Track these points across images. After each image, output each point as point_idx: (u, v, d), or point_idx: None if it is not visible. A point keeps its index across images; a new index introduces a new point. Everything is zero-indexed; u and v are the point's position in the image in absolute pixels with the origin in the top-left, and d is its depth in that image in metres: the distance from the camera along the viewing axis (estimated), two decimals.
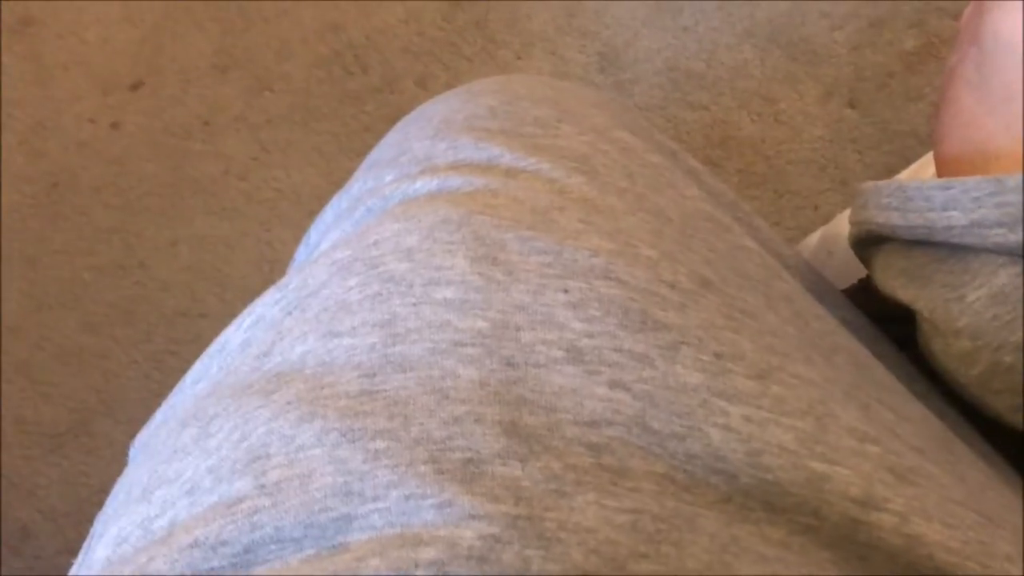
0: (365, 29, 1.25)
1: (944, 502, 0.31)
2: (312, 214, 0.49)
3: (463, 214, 0.36)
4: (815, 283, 0.44)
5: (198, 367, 0.38)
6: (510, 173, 0.39)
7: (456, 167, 0.40)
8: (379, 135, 0.52)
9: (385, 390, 0.31)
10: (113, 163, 1.18)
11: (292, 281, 0.37)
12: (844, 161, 1.12)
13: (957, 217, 0.37)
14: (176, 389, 0.39)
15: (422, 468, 0.29)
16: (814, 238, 0.63)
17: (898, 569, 0.30)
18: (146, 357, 1.08)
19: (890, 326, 0.47)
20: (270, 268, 1.13)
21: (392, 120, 1.20)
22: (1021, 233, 0.35)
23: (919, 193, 0.39)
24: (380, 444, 0.29)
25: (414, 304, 0.33)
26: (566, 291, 0.33)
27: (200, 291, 1.11)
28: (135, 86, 1.23)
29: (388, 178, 0.42)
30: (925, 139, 1.13)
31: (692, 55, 1.21)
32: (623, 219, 0.37)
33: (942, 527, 0.30)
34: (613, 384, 0.31)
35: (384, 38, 1.24)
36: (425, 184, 0.39)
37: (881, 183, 0.42)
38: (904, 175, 0.73)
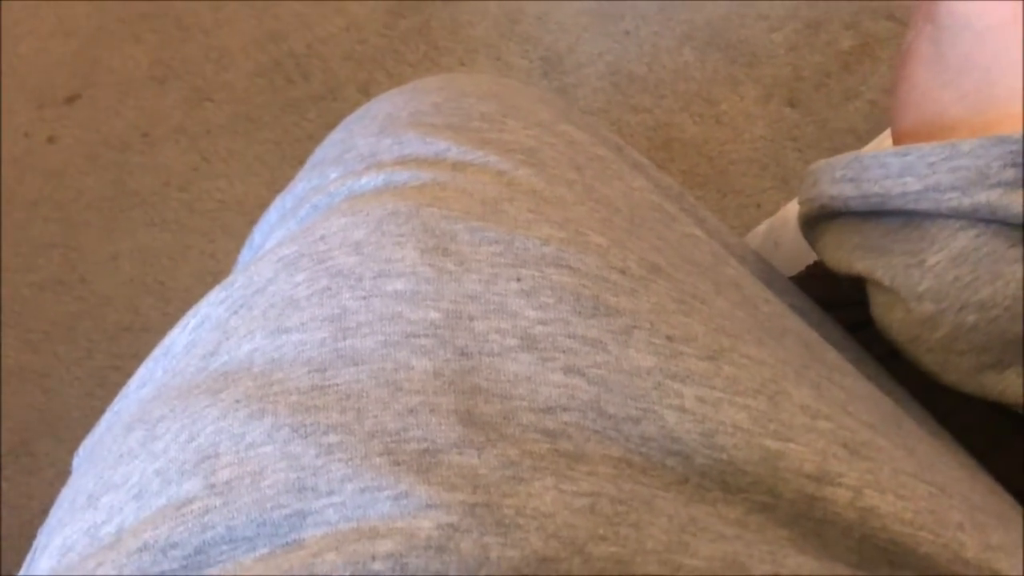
0: (306, 38, 1.24)
1: (896, 474, 0.31)
2: (255, 224, 0.49)
3: (411, 207, 0.35)
4: (763, 271, 0.45)
5: (142, 371, 0.37)
6: (458, 166, 0.39)
7: (403, 162, 0.40)
8: (321, 142, 0.51)
9: (337, 384, 0.30)
10: (51, 177, 1.16)
11: (237, 280, 0.37)
12: (785, 159, 1.13)
13: (912, 183, 0.38)
14: (120, 395, 0.38)
15: (377, 460, 0.29)
16: (760, 229, 0.64)
17: (853, 542, 0.30)
18: (88, 374, 1.06)
19: (838, 312, 0.47)
20: (214, 279, 1.11)
21: (334, 127, 1.19)
22: (975, 196, 0.36)
23: (875, 161, 0.39)
24: (333, 438, 0.29)
25: (364, 297, 0.32)
26: (518, 279, 0.33)
27: (143, 305, 1.09)
28: (71, 99, 1.21)
29: (333, 175, 0.41)
30: (863, 136, 1.15)
31: (634, 59, 1.22)
32: (572, 209, 0.37)
33: (895, 499, 0.30)
34: (568, 370, 0.31)
35: (325, 46, 1.23)
36: (371, 180, 0.39)
37: (834, 158, 0.42)
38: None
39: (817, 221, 0.44)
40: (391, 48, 1.23)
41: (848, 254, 0.41)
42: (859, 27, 1.22)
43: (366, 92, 1.20)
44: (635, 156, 0.48)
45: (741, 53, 1.21)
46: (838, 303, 0.47)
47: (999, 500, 0.36)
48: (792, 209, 0.64)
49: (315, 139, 1.17)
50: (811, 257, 0.55)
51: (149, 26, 1.25)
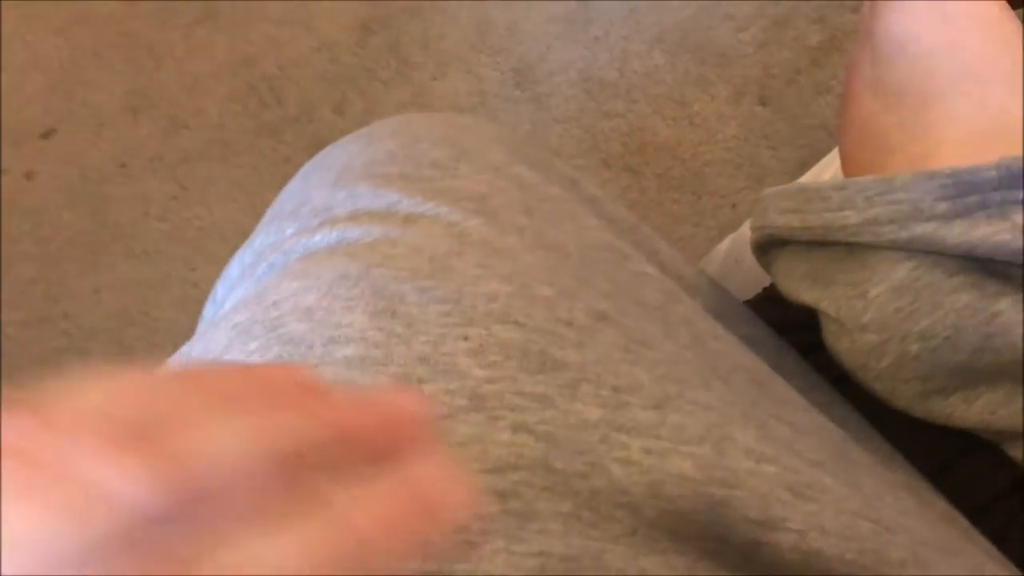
0: (278, 60, 1.24)
1: (840, 514, 0.32)
2: (237, 250, 0.49)
3: (361, 268, 0.36)
4: (717, 301, 0.45)
5: None
6: (409, 220, 0.40)
7: (355, 217, 0.40)
8: (299, 165, 0.52)
9: None
10: (30, 213, 1.17)
11: (195, 347, 0.37)
12: (758, 158, 1.14)
13: (852, 216, 0.38)
14: None
15: None
16: (723, 247, 0.65)
17: None
18: None
19: (795, 334, 0.48)
20: (197, 308, 1.11)
21: (311, 150, 1.19)
22: (911, 229, 0.37)
23: (816, 194, 0.40)
24: None
25: (316, 365, 0.33)
26: (466, 338, 0.34)
27: (128, 337, 1.09)
28: (47, 134, 1.21)
29: (289, 231, 0.42)
30: (835, 131, 1.16)
31: (605, 65, 1.22)
32: (521, 259, 0.38)
33: (838, 540, 0.31)
34: (516, 428, 0.32)
35: (297, 68, 1.24)
36: (324, 237, 0.40)
37: (780, 188, 0.43)
38: (805, 178, 0.75)
39: (768, 248, 0.45)
40: (363, 66, 1.24)
41: (796, 283, 0.42)
42: (826, 21, 1.22)
43: (341, 112, 1.21)
44: (589, 190, 0.48)
45: (710, 54, 1.22)
46: (794, 325, 0.47)
47: (947, 528, 0.37)
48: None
49: (292, 162, 1.18)
50: None
51: (121, 56, 1.26)
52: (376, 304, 0.35)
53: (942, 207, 0.36)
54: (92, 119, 1.22)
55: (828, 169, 0.68)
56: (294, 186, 0.47)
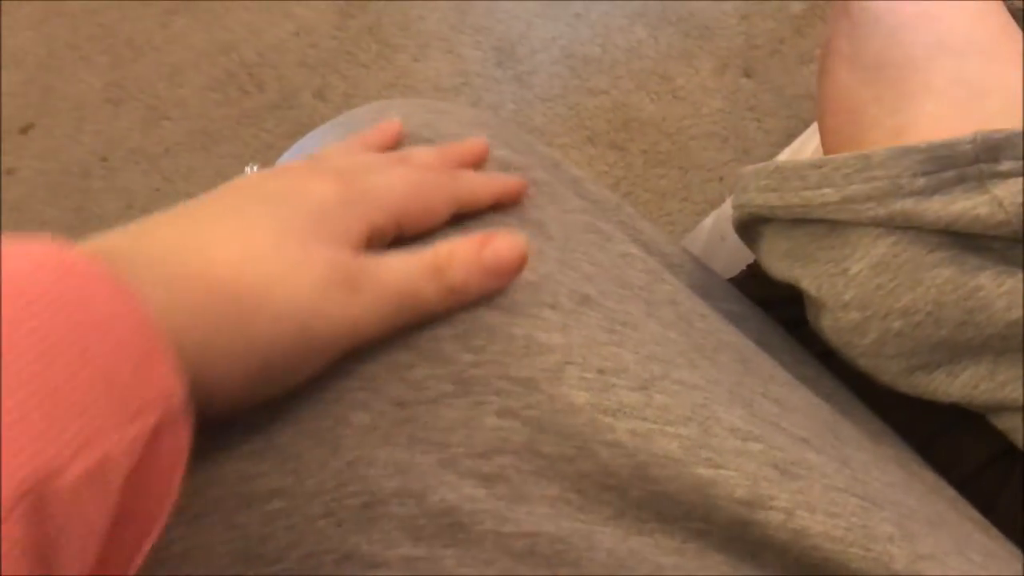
0: (257, 46, 1.23)
1: (827, 491, 0.32)
2: None
3: None
4: (701, 279, 0.45)
5: None
6: None
7: None
8: (281, 151, 0.51)
9: (276, 447, 0.31)
10: (12, 211, 1.16)
11: None
12: (744, 130, 1.14)
13: (830, 194, 0.38)
14: None
15: (320, 524, 0.29)
16: (707, 223, 0.65)
17: (788, 562, 0.31)
18: None
19: (780, 309, 0.48)
20: None
21: (294, 136, 1.18)
22: (890, 206, 0.37)
23: (794, 173, 0.40)
24: (277, 504, 0.30)
25: None
26: (451, 323, 0.34)
27: None
28: (25, 129, 1.20)
29: None
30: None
31: (587, 41, 1.22)
32: None
33: (825, 517, 0.31)
34: (502, 413, 0.32)
35: (277, 53, 1.23)
36: None
37: (759, 166, 0.43)
38: (784, 155, 0.74)
39: (750, 225, 0.44)
40: (343, 50, 1.23)
41: (778, 261, 0.42)
42: None
43: (322, 97, 1.20)
44: (571, 171, 0.48)
45: (693, 26, 1.21)
46: (779, 301, 0.47)
47: (935, 499, 0.37)
48: None
49: (274, 149, 1.17)
50: None
51: (98, 48, 1.25)
52: None
53: (920, 182, 0.36)
54: (71, 113, 1.21)
55: (810, 142, 0.68)
56: None
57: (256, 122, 1.18)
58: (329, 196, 0.33)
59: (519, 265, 0.34)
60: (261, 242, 0.30)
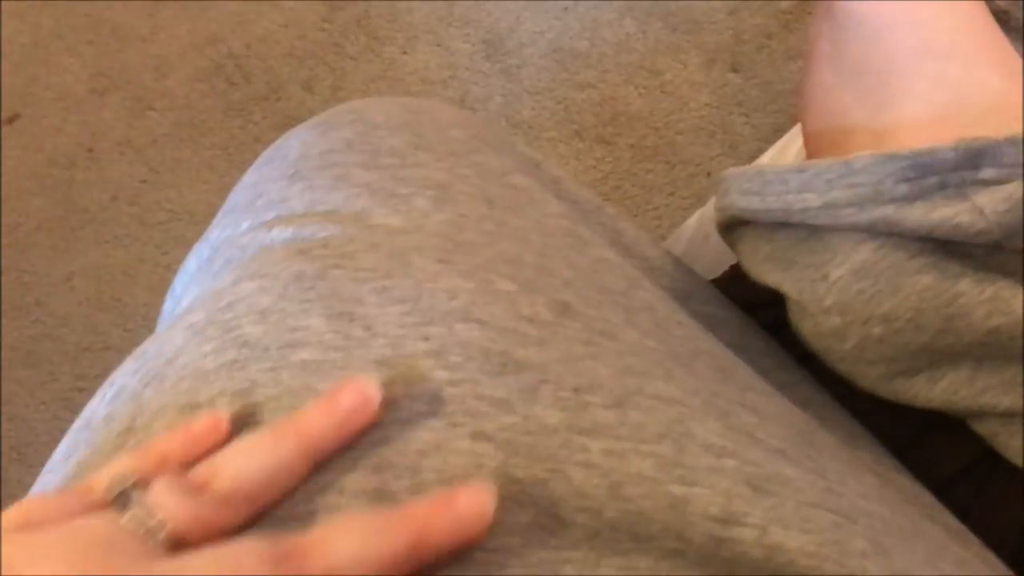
0: (244, 38, 1.22)
1: (800, 507, 0.32)
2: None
3: (318, 268, 0.36)
4: (682, 281, 0.45)
5: (66, 443, 0.38)
6: (366, 214, 0.39)
7: (310, 213, 0.40)
8: (269, 144, 0.51)
9: None
10: None
11: (150, 348, 0.37)
12: (732, 125, 1.14)
13: (812, 199, 0.38)
14: (48, 466, 0.38)
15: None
16: (691, 221, 0.65)
17: None
18: (53, 397, 1.06)
19: (763, 311, 0.48)
20: None
21: (281, 128, 1.18)
22: (871, 212, 0.37)
23: (776, 177, 0.40)
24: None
25: (272, 369, 0.33)
26: (426, 339, 0.33)
27: (102, 323, 1.09)
28: (11, 119, 1.19)
29: (244, 225, 0.41)
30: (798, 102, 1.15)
31: (575, 34, 1.21)
32: (482, 252, 0.38)
33: (799, 533, 0.31)
34: (476, 435, 0.31)
35: (265, 45, 1.22)
36: (280, 233, 0.39)
37: (741, 169, 0.43)
38: (768, 156, 0.74)
39: (732, 228, 0.44)
40: (331, 42, 1.22)
41: (760, 264, 0.42)
42: None
43: (310, 89, 1.19)
44: (552, 171, 0.48)
45: (681, 20, 1.21)
46: (761, 303, 0.47)
47: (911, 509, 0.37)
48: None
49: (262, 141, 1.16)
50: None
51: (84, 38, 1.24)
52: (333, 307, 0.34)
53: (901, 189, 0.35)
54: (57, 103, 1.20)
55: (795, 142, 0.67)
56: (249, 178, 0.46)
57: (243, 114, 1.18)
58: None
59: (483, 522, 0.29)
60: None
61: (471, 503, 0.28)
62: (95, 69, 1.22)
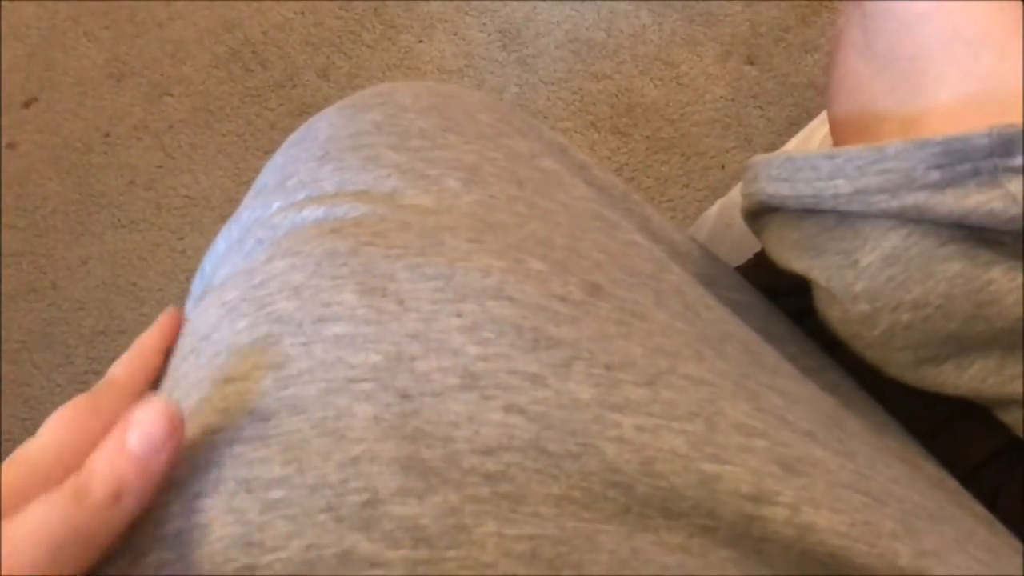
0: (262, 25, 1.23)
1: (831, 487, 0.32)
2: (225, 218, 0.49)
3: (350, 245, 0.36)
4: (707, 267, 0.45)
5: None
6: (397, 194, 0.39)
7: (342, 192, 0.40)
8: (285, 131, 0.51)
9: (279, 435, 0.31)
10: (13, 184, 1.16)
11: (186, 325, 0.37)
12: (747, 118, 1.14)
13: (843, 185, 0.38)
14: None
15: (320, 517, 0.29)
16: (713, 211, 0.65)
17: (793, 557, 0.31)
18: (68, 380, 1.06)
19: (786, 299, 0.48)
20: (186, 278, 1.11)
21: (297, 115, 1.18)
22: (903, 199, 0.37)
23: (806, 163, 0.40)
24: (277, 493, 0.29)
25: (305, 344, 0.33)
26: (459, 315, 0.34)
27: (117, 307, 1.09)
28: (28, 103, 1.20)
29: (275, 206, 0.41)
30: (824, 91, 1.15)
31: (592, 25, 1.21)
32: (513, 232, 0.38)
33: (830, 513, 0.31)
34: (508, 408, 0.32)
35: (281, 32, 1.22)
36: (312, 212, 0.39)
37: (770, 156, 0.43)
38: (792, 144, 0.74)
39: (759, 215, 0.44)
40: (347, 30, 1.23)
41: (787, 251, 0.42)
42: None
43: (326, 76, 1.20)
44: (579, 157, 0.48)
45: (698, 12, 1.21)
46: (785, 290, 0.47)
47: (938, 494, 0.37)
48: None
49: (277, 128, 1.17)
50: None
51: (101, 23, 1.24)
52: (366, 282, 0.34)
53: (934, 176, 0.36)
54: (74, 87, 1.21)
55: (818, 131, 0.67)
56: (279, 159, 0.46)
57: (259, 100, 1.18)
58: None
59: (177, 431, 0.30)
60: None
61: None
62: (112, 54, 1.22)
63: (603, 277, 0.37)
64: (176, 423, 0.29)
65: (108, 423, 0.30)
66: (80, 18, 1.24)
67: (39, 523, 0.27)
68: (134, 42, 1.23)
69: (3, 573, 0.26)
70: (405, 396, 0.32)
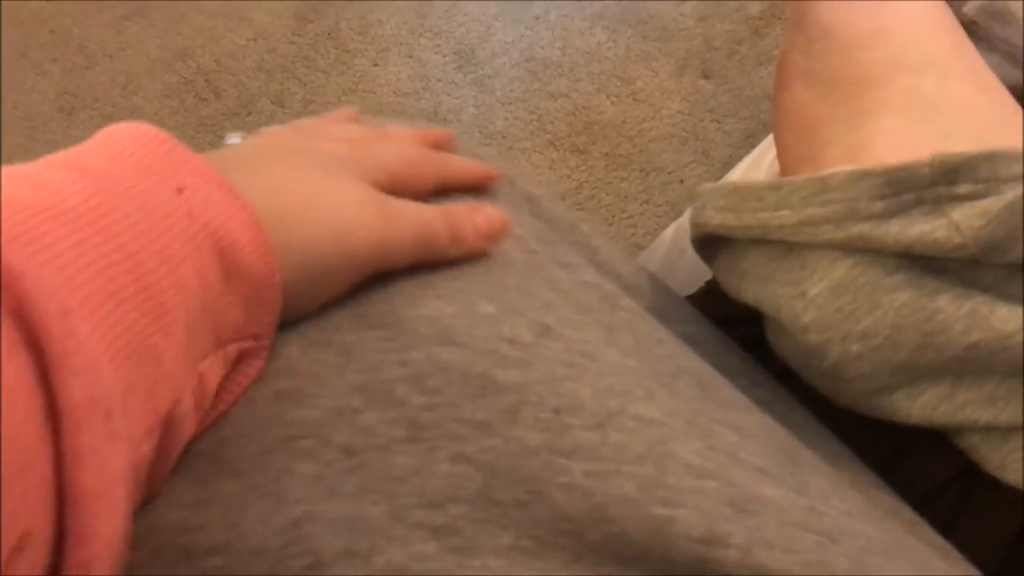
0: (214, 53, 1.22)
1: (783, 527, 0.32)
2: None
3: None
4: (658, 299, 0.45)
5: None
6: None
7: None
8: None
9: (218, 499, 0.30)
10: None
11: None
12: (704, 132, 1.14)
13: (788, 216, 0.38)
14: None
15: None
16: (667, 235, 0.64)
17: None
18: None
19: (739, 328, 0.48)
20: None
21: None
22: (848, 229, 0.36)
23: (751, 194, 0.40)
24: (216, 561, 0.29)
25: (246, 403, 0.32)
26: (404, 364, 0.33)
27: None
28: None
29: None
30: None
31: (547, 44, 1.21)
32: (464, 274, 0.37)
33: (783, 554, 0.31)
34: (455, 459, 0.31)
35: (234, 60, 1.21)
36: None
37: (717, 185, 0.42)
38: (742, 166, 0.74)
39: (708, 244, 0.44)
40: (301, 55, 1.22)
41: (737, 281, 0.42)
42: None
43: (280, 103, 1.19)
44: (527, 188, 0.47)
45: (652, 28, 1.21)
46: (739, 319, 0.47)
47: (893, 525, 0.37)
48: None
49: None
50: None
51: (51, 56, 1.22)
52: (309, 335, 0.34)
53: (878, 206, 0.35)
54: (24, 122, 1.19)
55: (769, 152, 0.67)
56: None
57: (214, 129, 1.17)
58: (341, 152, 0.37)
59: (503, 233, 0.39)
60: (303, 166, 0.35)
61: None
62: (62, 87, 1.21)
63: (553, 317, 0.36)
64: (505, 231, 0.39)
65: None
66: (28, 51, 1.22)
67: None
68: (84, 75, 1.21)
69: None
70: (348, 452, 0.31)
